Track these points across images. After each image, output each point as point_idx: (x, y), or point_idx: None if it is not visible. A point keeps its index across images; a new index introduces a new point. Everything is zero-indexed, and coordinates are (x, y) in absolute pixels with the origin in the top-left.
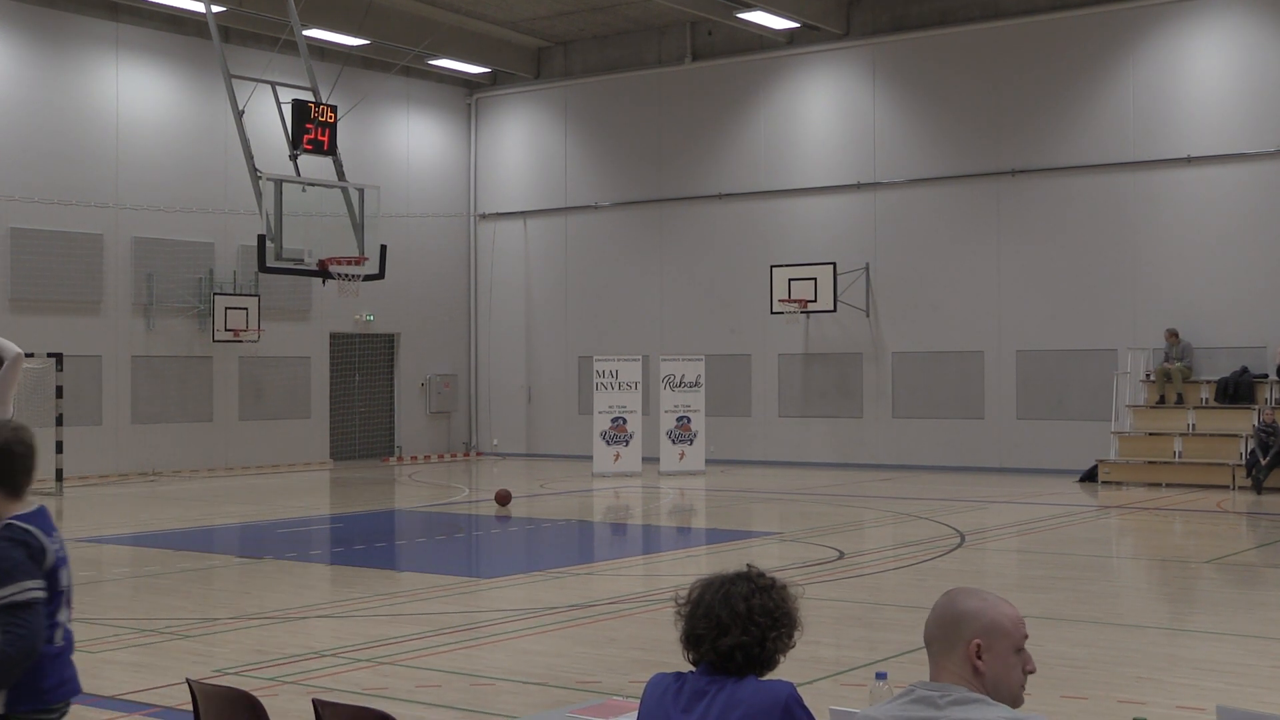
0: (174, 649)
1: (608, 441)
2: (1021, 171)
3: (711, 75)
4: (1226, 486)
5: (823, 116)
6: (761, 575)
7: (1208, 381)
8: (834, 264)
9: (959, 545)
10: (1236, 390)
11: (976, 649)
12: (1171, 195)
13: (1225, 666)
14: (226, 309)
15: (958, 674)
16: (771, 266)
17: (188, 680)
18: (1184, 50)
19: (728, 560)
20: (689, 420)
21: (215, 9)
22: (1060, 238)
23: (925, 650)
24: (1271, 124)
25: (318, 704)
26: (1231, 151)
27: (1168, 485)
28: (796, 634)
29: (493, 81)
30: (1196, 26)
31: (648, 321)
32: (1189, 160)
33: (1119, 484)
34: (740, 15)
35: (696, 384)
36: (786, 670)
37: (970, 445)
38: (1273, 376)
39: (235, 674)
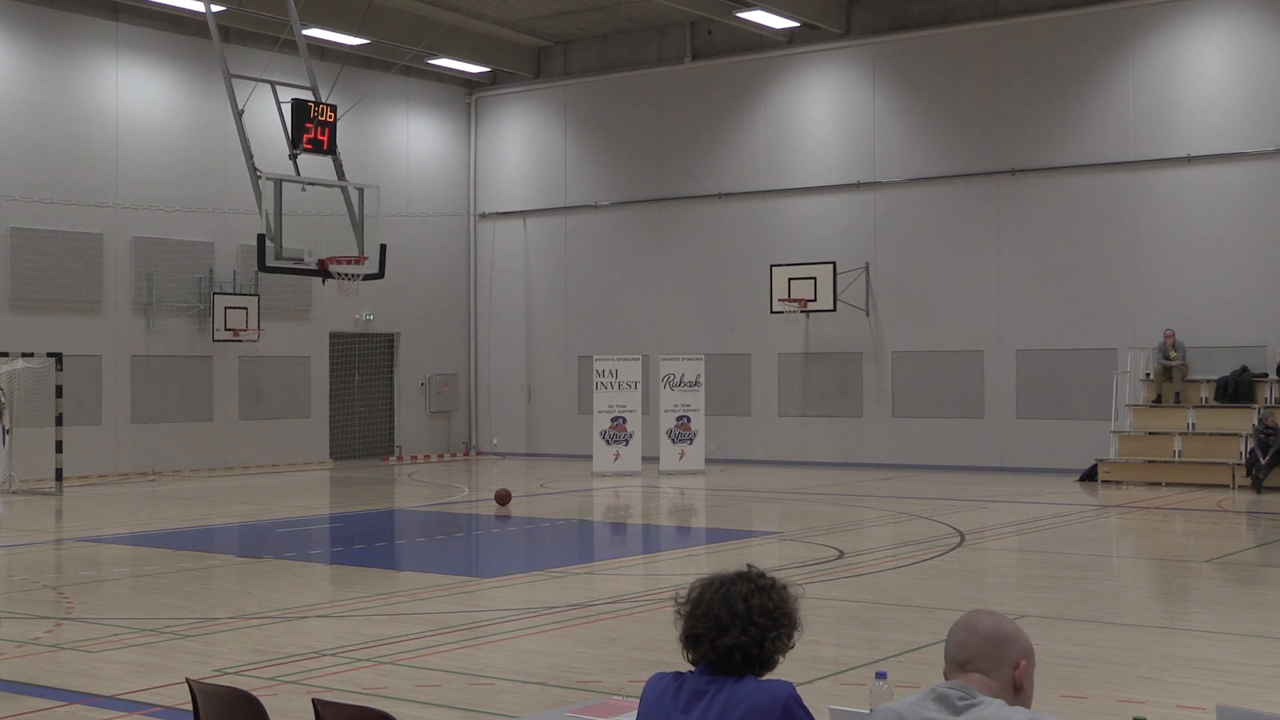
0: (174, 649)
1: (608, 441)
2: (1021, 171)
3: (711, 75)
4: (1226, 486)
5: (822, 116)
6: (761, 575)
7: (1207, 381)
8: (834, 263)
9: (959, 545)
10: (1236, 390)
11: (1026, 670)
12: (1171, 195)
13: (1225, 666)
14: (226, 309)
15: (996, 689)
16: (771, 266)
17: (188, 680)
18: (1184, 50)
19: (728, 560)
20: (689, 420)
21: (215, 9)
22: (1060, 237)
23: (951, 661)
24: (1271, 124)
25: (318, 704)
26: (1231, 151)
27: (1167, 484)
28: (796, 634)
29: (492, 81)
30: (1196, 26)
31: (648, 321)
32: (1189, 160)
33: (1119, 483)
34: (740, 15)
35: (696, 383)
36: (786, 670)
37: (970, 445)
38: (1272, 376)
39: (235, 674)
